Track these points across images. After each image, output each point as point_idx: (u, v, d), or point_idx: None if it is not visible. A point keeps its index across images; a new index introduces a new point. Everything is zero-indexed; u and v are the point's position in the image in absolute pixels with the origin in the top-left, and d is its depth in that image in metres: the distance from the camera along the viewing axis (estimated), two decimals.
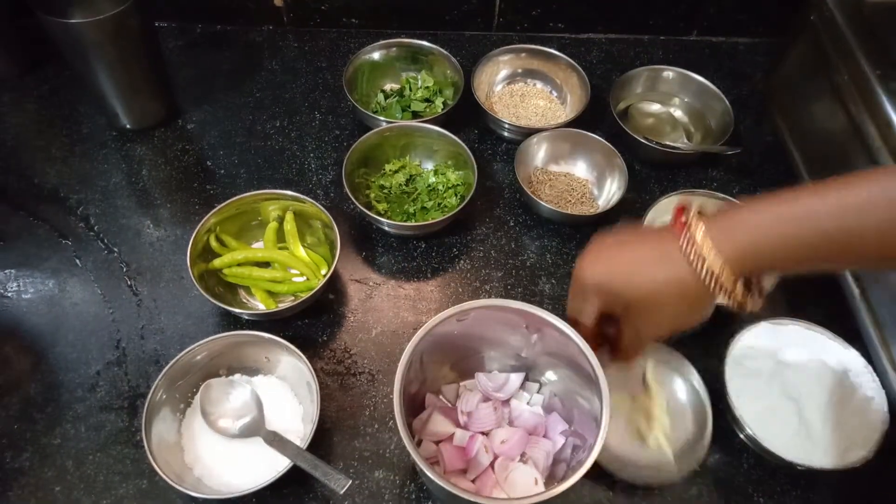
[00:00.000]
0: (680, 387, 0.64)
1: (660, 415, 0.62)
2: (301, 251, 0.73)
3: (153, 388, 0.58)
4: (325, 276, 0.69)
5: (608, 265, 0.50)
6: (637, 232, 0.52)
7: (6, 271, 0.73)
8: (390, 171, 0.80)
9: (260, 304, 0.71)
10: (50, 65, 0.92)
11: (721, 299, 0.46)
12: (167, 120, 0.88)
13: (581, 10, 0.98)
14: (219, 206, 0.70)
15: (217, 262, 0.70)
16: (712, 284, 0.44)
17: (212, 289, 0.68)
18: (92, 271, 0.74)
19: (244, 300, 0.72)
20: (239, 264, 0.71)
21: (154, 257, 0.75)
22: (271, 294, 0.72)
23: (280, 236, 0.74)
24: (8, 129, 0.86)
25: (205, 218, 0.69)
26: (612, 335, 0.54)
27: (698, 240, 0.44)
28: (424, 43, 0.90)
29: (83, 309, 0.71)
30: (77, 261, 0.75)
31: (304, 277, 0.72)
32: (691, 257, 0.45)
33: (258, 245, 0.75)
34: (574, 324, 0.54)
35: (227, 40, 0.99)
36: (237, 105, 0.90)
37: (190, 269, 0.66)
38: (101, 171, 0.83)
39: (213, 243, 0.71)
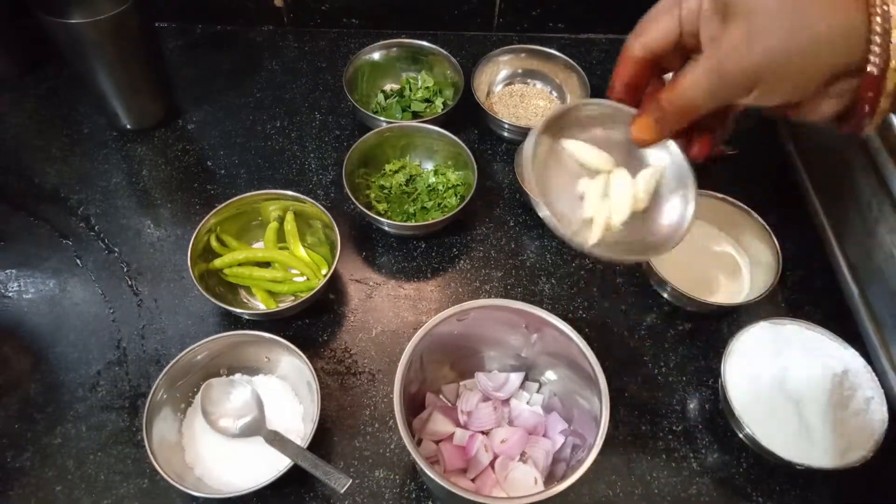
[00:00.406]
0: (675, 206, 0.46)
1: (621, 201, 0.44)
2: (301, 251, 0.73)
3: (154, 387, 0.58)
4: (325, 276, 0.69)
5: None
6: None
7: (7, 271, 0.73)
8: (390, 171, 0.81)
9: (260, 304, 0.71)
10: (50, 65, 0.92)
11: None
12: (167, 120, 0.88)
13: (581, 11, 0.98)
14: (219, 207, 0.70)
15: (218, 262, 0.70)
16: (876, 36, 0.28)
17: (212, 289, 0.68)
18: (92, 271, 0.74)
19: (245, 300, 0.72)
20: (239, 264, 0.71)
21: (154, 257, 0.75)
22: (272, 294, 0.72)
23: (280, 236, 0.74)
24: (8, 128, 0.86)
25: (205, 218, 0.69)
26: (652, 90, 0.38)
27: None
28: (424, 43, 0.90)
29: (84, 309, 0.71)
30: (78, 261, 0.75)
31: (305, 277, 0.72)
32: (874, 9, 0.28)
33: (258, 245, 0.75)
34: (629, 43, 0.37)
35: (228, 40, 0.99)
36: (237, 105, 0.90)
37: (191, 269, 0.66)
38: (102, 172, 0.83)
39: (214, 243, 0.71)
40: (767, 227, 0.72)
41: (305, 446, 0.56)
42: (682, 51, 0.36)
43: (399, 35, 0.93)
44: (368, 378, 0.67)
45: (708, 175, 0.85)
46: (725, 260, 0.75)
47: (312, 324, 0.71)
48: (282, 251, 0.73)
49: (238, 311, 0.67)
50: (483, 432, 0.59)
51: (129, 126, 0.86)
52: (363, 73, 0.89)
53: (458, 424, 0.60)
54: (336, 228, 0.69)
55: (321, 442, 0.62)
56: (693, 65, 0.33)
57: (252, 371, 0.65)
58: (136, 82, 0.81)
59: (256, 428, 0.59)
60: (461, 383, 0.64)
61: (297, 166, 0.84)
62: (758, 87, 0.32)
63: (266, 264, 0.73)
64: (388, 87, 0.91)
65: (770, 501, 0.61)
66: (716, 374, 0.65)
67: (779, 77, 0.31)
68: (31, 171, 0.82)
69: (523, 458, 0.59)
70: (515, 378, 0.62)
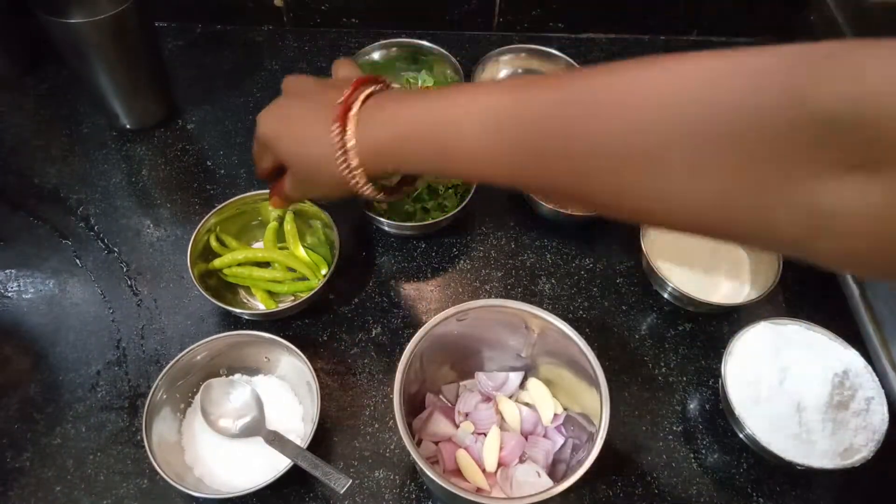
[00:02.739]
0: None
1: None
2: (301, 251, 0.73)
3: (153, 387, 0.58)
4: (324, 276, 0.69)
5: (276, 120, 0.52)
6: (316, 90, 0.52)
7: (6, 271, 0.73)
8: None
9: (260, 304, 0.71)
10: (50, 65, 0.92)
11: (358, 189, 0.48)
12: (167, 120, 0.88)
13: (581, 10, 0.98)
14: (219, 206, 0.70)
15: (217, 262, 0.70)
16: (348, 172, 0.46)
17: (212, 289, 0.68)
18: (92, 271, 0.74)
19: (244, 300, 0.72)
20: (239, 264, 0.71)
21: (154, 257, 0.75)
22: (271, 294, 0.72)
23: (280, 236, 0.74)
24: (7, 128, 0.86)
25: (205, 218, 0.69)
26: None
27: (349, 130, 0.45)
28: (424, 43, 0.90)
29: (83, 309, 0.71)
30: (77, 261, 0.75)
31: (305, 278, 0.72)
32: (339, 142, 0.45)
33: (258, 245, 0.75)
34: (255, 164, 0.58)
35: (227, 40, 0.99)
36: (237, 105, 0.90)
37: (190, 269, 0.66)
38: (101, 171, 0.83)
39: (214, 243, 0.71)
40: None
41: (305, 447, 0.56)
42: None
43: (399, 35, 0.92)
44: (368, 378, 0.67)
45: None
46: (726, 260, 0.75)
47: (312, 324, 0.70)
48: (282, 251, 0.73)
49: (237, 311, 0.67)
50: (483, 434, 0.59)
51: (128, 126, 0.86)
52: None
53: (457, 426, 0.60)
54: (335, 229, 0.69)
55: (321, 442, 0.62)
56: (284, 184, 0.55)
57: (252, 371, 0.65)
58: (136, 82, 0.81)
59: (256, 428, 0.59)
60: (461, 383, 0.64)
61: None
62: (315, 197, 0.66)
63: (266, 264, 0.73)
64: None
65: (770, 502, 0.61)
66: (716, 374, 0.65)
67: (320, 195, 0.61)
68: (31, 170, 0.82)
69: (523, 458, 0.59)
70: (515, 378, 0.62)
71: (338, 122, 0.46)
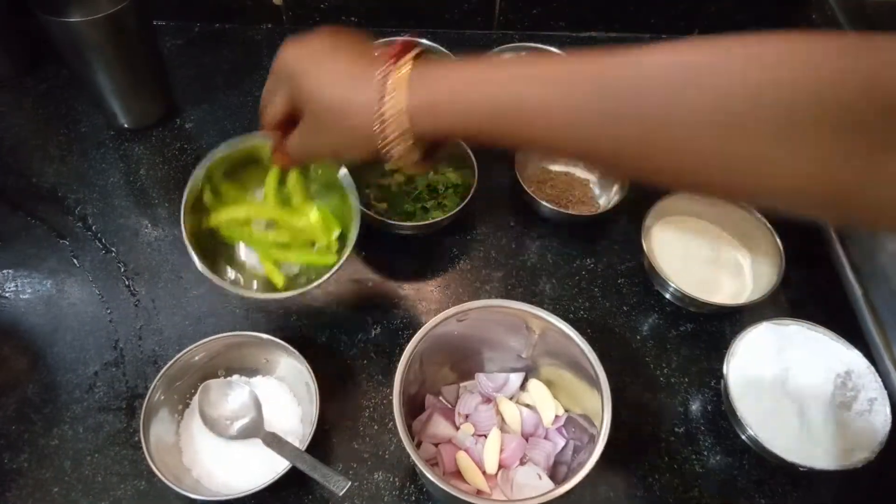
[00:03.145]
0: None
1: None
2: (314, 213, 0.60)
3: (151, 388, 0.58)
4: (345, 245, 0.59)
5: (310, 58, 0.45)
6: (360, 39, 0.46)
7: (4, 271, 0.73)
8: (390, 170, 0.80)
9: (258, 279, 0.62)
10: (48, 64, 0.92)
11: (385, 148, 0.42)
12: (165, 119, 0.87)
13: (582, 9, 0.98)
14: (219, 147, 0.59)
15: (213, 220, 0.59)
16: (381, 128, 0.41)
17: (208, 252, 0.58)
18: (90, 271, 0.73)
19: (243, 262, 0.62)
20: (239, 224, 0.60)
21: (152, 257, 0.75)
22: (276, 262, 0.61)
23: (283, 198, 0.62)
24: (6, 128, 0.86)
25: (202, 163, 0.59)
26: (287, 131, 0.50)
27: (396, 77, 0.40)
28: (424, 41, 0.89)
29: (81, 309, 0.70)
30: (75, 261, 0.74)
31: (315, 245, 0.61)
32: (381, 91, 0.40)
33: (260, 195, 0.61)
34: (263, 109, 0.50)
35: (226, 39, 0.98)
36: (236, 104, 0.90)
37: (184, 230, 0.57)
38: (100, 171, 0.82)
39: (207, 196, 0.59)
40: (770, 227, 0.71)
41: (304, 448, 0.56)
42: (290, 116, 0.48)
43: (398, 33, 0.92)
44: (367, 379, 0.66)
45: None
46: (728, 260, 0.74)
47: (311, 324, 0.70)
48: (288, 210, 0.60)
49: (244, 292, 0.59)
50: (483, 435, 0.59)
51: (126, 125, 0.85)
52: None
53: (457, 428, 0.60)
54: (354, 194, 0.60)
55: (320, 444, 0.61)
56: (292, 136, 0.49)
57: (250, 372, 0.64)
58: (135, 81, 0.81)
59: (254, 430, 0.59)
60: (461, 385, 0.63)
61: None
62: (329, 156, 0.56)
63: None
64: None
65: (772, 503, 0.60)
66: (718, 375, 0.65)
67: (339, 154, 0.53)
68: (29, 170, 0.82)
69: (523, 460, 0.58)
70: (515, 378, 0.62)
71: (386, 66, 0.40)
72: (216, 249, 0.61)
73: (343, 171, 0.59)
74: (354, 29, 0.47)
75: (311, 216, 0.60)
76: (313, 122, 0.45)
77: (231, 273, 0.62)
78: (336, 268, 0.58)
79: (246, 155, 0.60)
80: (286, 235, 0.61)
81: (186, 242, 0.57)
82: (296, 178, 0.60)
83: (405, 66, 0.40)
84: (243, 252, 0.62)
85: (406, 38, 0.45)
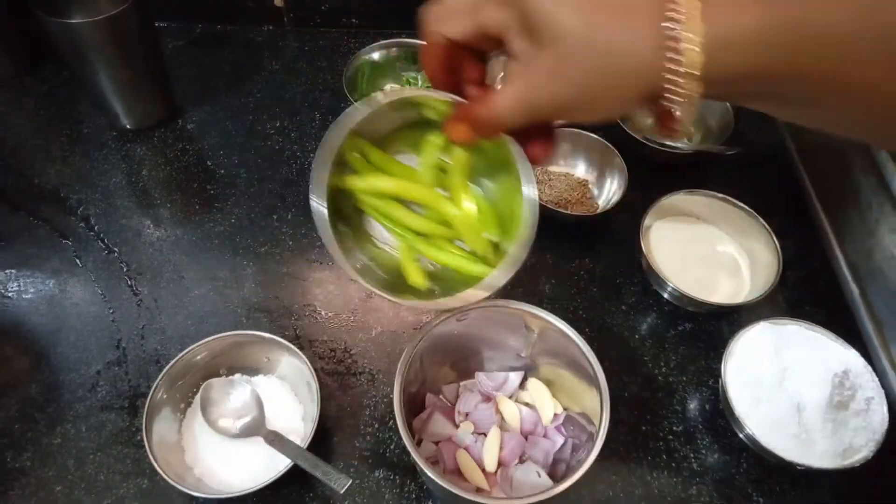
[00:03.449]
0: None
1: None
2: (467, 203, 0.44)
3: (153, 387, 0.58)
4: (508, 265, 0.44)
5: None
6: None
7: (6, 271, 0.73)
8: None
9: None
10: (50, 65, 0.92)
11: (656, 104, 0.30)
12: (167, 120, 0.88)
13: None
14: (385, 94, 0.42)
15: (351, 182, 0.45)
16: (665, 68, 0.29)
17: (345, 220, 0.46)
18: (92, 271, 0.74)
19: (380, 243, 0.48)
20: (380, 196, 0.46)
21: (154, 257, 0.75)
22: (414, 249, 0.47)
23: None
24: (8, 128, 0.86)
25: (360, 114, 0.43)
26: (472, 77, 0.36)
27: (689, 4, 0.28)
28: (424, 43, 0.90)
29: (83, 309, 0.71)
30: (77, 261, 0.75)
31: (467, 247, 0.46)
32: (663, 16, 0.28)
33: (411, 162, 0.46)
34: (428, 29, 0.34)
35: (228, 40, 0.99)
36: (237, 105, 0.90)
37: (322, 184, 0.43)
38: (102, 171, 0.83)
39: (352, 157, 0.45)
40: (768, 226, 0.72)
41: (305, 446, 0.56)
42: (487, 44, 0.34)
43: (399, 35, 0.93)
44: (368, 378, 0.67)
45: (708, 175, 0.85)
46: (726, 260, 0.75)
47: (312, 324, 0.70)
48: (441, 198, 0.45)
49: (384, 293, 0.45)
50: (483, 433, 0.59)
51: (128, 126, 0.86)
52: (363, 73, 0.89)
53: (457, 426, 0.60)
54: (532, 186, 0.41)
55: (321, 442, 0.62)
56: (504, 86, 0.33)
57: (252, 371, 0.65)
58: (136, 82, 0.81)
59: (256, 428, 0.59)
60: (461, 383, 0.64)
61: (297, 166, 0.84)
62: (569, 114, 0.33)
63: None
64: (388, 87, 0.91)
65: (770, 502, 0.61)
66: (716, 374, 0.65)
67: (588, 106, 0.32)
68: (31, 170, 0.82)
69: (523, 458, 0.59)
70: (515, 377, 0.62)
71: None
72: (348, 220, 0.47)
73: (516, 147, 0.39)
74: None
75: (467, 208, 0.44)
76: (553, 61, 0.30)
77: (361, 257, 0.47)
78: (494, 284, 0.43)
79: (405, 109, 0.43)
80: (431, 225, 0.46)
81: (320, 208, 0.42)
82: (461, 153, 0.43)
83: None
84: (377, 229, 0.48)
85: None
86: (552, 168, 0.84)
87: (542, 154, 0.37)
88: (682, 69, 0.28)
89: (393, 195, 0.45)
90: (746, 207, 0.73)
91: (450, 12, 0.33)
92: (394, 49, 0.90)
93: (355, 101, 0.83)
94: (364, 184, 0.45)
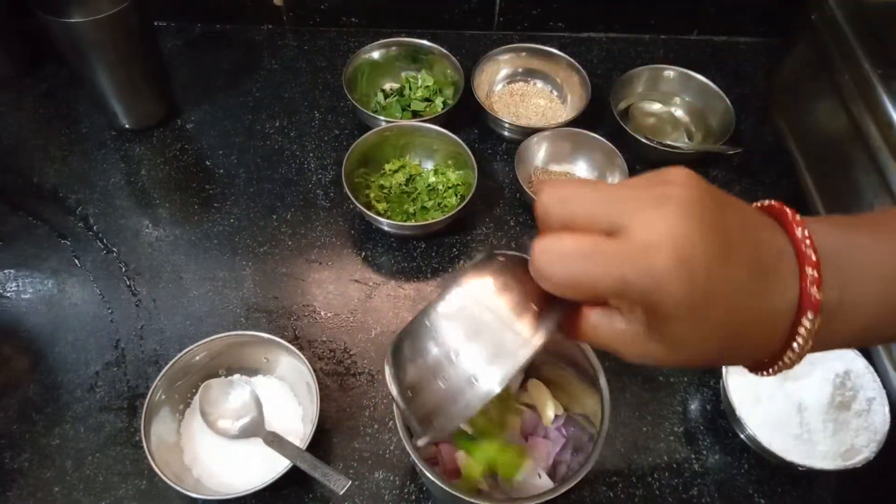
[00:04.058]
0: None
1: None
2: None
3: (152, 388, 0.58)
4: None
5: (699, 231, 0.26)
6: (747, 211, 0.29)
7: (5, 271, 0.73)
8: (390, 170, 0.80)
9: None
10: (49, 64, 0.92)
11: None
12: (166, 119, 0.87)
13: (581, 10, 0.98)
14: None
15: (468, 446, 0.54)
16: (789, 334, 0.29)
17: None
18: (91, 271, 0.74)
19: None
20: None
21: (153, 257, 0.75)
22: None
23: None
24: (7, 128, 0.86)
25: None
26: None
27: (809, 263, 0.28)
28: (424, 42, 0.90)
29: (82, 309, 0.71)
30: (76, 261, 0.74)
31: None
32: (796, 289, 0.28)
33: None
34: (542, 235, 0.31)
35: (227, 39, 0.98)
36: (236, 105, 0.90)
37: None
38: (100, 171, 0.82)
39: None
40: None
41: (304, 447, 0.56)
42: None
43: (399, 34, 0.92)
44: (368, 379, 0.67)
45: (708, 175, 0.85)
46: None
47: (312, 324, 0.70)
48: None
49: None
50: None
51: (127, 125, 0.85)
52: (363, 72, 0.89)
53: None
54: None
55: (320, 443, 0.61)
56: (620, 331, 0.33)
57: (251, 372, 0.65)
58: (135, 82, 0.81)
59: (255, 429, 0.59)
60: None
61: (297, 166, 0.84)
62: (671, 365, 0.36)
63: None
64: (387, 87, 0.91)
65: (771, 503, 0.60)
66: (717, 374, 0.65)
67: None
68: (30, 170, 0.82)
69: None
70: (515, 378, 0.62)
71: (801, 261, 0.28)
72: None
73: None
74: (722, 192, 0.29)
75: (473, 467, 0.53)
76: (675, 327, 0.29)
77: None
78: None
79: None
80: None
81: None
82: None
83: (810, 251, 0.28)
84: None
85: (773, 201, 0.31)
86: (553, 167, 0.84)
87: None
88: (801, 338, 0.29)
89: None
90: None
91: (572, 274, 0.29)
92: (393, 48, 0.90)
93: (355, 100, 0.83)
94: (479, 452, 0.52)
